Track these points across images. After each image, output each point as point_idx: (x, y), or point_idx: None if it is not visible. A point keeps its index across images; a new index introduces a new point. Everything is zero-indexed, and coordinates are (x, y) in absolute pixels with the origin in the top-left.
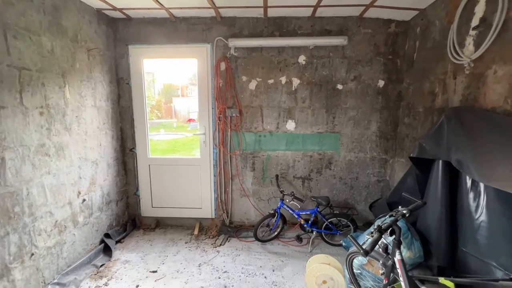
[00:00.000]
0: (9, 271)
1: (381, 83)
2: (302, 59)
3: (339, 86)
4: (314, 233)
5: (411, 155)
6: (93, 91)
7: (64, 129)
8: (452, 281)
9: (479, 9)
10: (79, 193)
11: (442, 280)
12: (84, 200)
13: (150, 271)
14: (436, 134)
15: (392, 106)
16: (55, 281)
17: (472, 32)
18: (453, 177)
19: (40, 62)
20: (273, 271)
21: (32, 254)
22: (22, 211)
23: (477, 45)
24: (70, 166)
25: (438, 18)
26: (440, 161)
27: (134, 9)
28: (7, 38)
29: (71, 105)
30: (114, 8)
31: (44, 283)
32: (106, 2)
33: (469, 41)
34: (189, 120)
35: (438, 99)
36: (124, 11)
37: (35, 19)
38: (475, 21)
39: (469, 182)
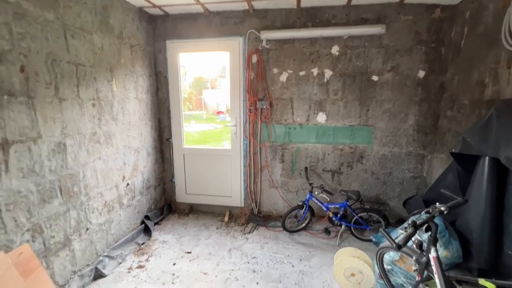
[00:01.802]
0: (70, 242)
1: (421, 73)
2: (335, 49)
3: (375, 78)
4: (343, 226)
5: (453, 150)
6: (135, 84)
7: (111, 119)
8: (493, 283)
9: None
10: (124, 177)
11: (482, 281)
12: (128, 184)
13: (185, 252)
14: (484, 129)
15: (433, 98)
16: (105, 254)
17: None
18: (501, 175)
19: (92, 58)
20: (301, 260)
21: (87, 229)
22: (79, 191)
23: None
24: (116, 153)
25: (492, 1)
26: (487, 158)
27: (172, 5)
28: (66, 37)
29: (117, 97)
30: (154, 6)
31: (97, 254)
32: (147, 0)
33: None
34: (218, 112)
35: (487, 91)
36: (162, 8)
37: (88, 19)
38: None
39: None
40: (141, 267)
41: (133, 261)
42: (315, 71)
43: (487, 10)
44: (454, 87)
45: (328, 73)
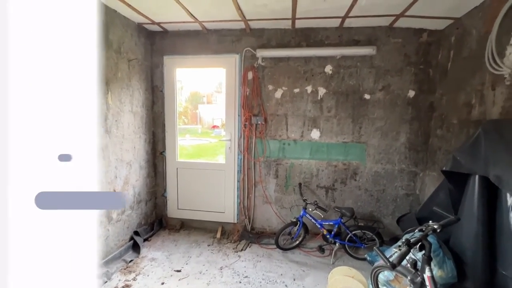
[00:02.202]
0: None
1: (411, 93)
2: (328, 68)
3: (367, 96)
4: (337, 244)
5: (444, 168)
6: (131, 98)
7: (105, 132)
8: None
9: None
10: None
11: None
12: None
13: (174, 270)
14: (472, 147)
15: (423, 117)
16: None
17: None
18: (491, 193)
19: None
20: (294, 280)
21: None
22: None
23: None
24: (108, 166)
25: (475, 27)
26: (477, 176)
27: (170, 22)
28: None
29: (112, 110)
30: (153, 22)
31: None
32: (147, 17)
33: (510, 51)
34: (213, 127)
35: (474, 111)
36: (161, 24)
37: None
38: None
39: (510, 200)
40: (127, 286)
41: (119, 280)
42: (309, 88)
43: (471, 35)
44: (443, 107)
45: (321, 91)
